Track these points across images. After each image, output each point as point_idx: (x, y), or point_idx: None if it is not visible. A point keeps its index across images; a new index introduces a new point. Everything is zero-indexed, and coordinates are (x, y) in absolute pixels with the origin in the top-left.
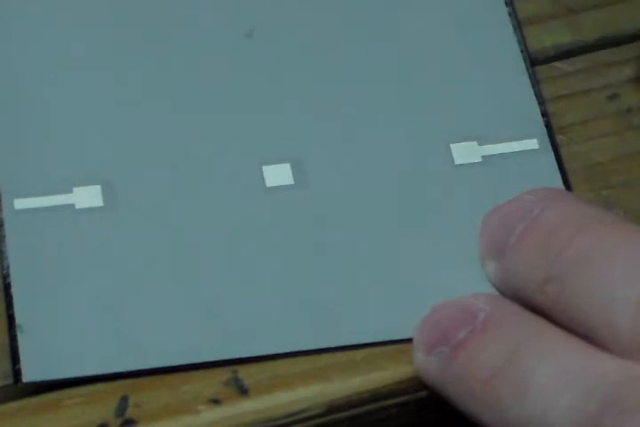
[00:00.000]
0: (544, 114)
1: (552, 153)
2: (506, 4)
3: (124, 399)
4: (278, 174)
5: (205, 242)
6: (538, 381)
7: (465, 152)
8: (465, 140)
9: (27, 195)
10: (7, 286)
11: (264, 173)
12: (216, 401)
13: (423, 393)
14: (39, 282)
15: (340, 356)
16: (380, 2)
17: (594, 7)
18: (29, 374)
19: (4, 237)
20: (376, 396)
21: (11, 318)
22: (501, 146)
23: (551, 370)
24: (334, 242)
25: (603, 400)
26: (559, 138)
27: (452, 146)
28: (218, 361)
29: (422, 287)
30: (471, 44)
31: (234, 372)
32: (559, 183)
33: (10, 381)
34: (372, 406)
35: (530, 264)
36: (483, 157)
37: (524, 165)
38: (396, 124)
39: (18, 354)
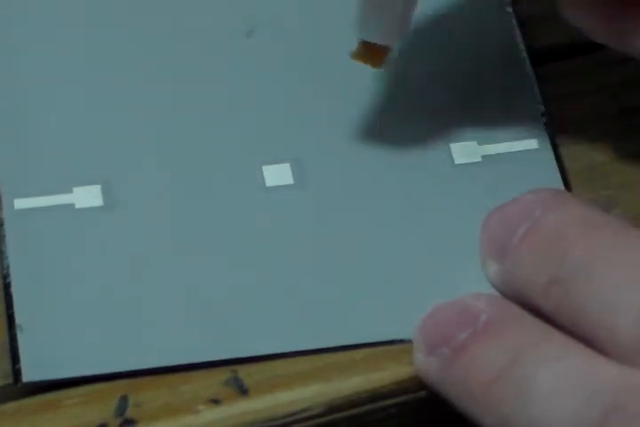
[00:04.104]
0: (544, 114)
1: (552, 153)
2: (506, 3)
3: (124, 399)
4: (278, 174)
5: (205, 242)
6: (539, 385)
7: (465, 152)
8: (465, 139)
9: (27, 195)
10: (7, 286)
11: (264, 173)
12: (216, 401)
13: (423, 393)
14: (39, 282)
15: (339, 356)
16: None
17: None
18: (29, 374)
19: (4, 236)
20: (376, 396)
21: (11, 318)
22: (501, 146)
23: (552, 374)
24: (334, 242)
25: (604, 407)
26: (559, 138)
27: (451, 145)
28: (218, 361)
29: (422, 287)
30: (471, 44)
31: (234, 372)
32: (559, 183)
33: (10, 380)
34: (371, 406)
35: (532, 267)
36: (483, 156)
37: (523, 165)
38: (396, 124)
39: (18, 354)
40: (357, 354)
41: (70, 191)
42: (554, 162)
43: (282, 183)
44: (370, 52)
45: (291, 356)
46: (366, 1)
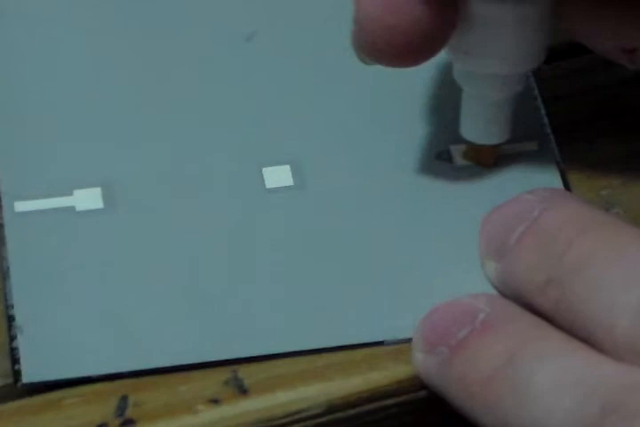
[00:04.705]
0: (544, 114)
1: (552, 153)
2: None
3: (124, 399)
4: (278, 176)
5: (205, 243)
6: (537, 383)
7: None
8: (465, 140)
9: (27, 197)
10: (7, 287)
11: (264, 175)
12: (216, 401)
13: (423, 393)
14: (39, 283)
15: (339, 356)
16: None
17: None
18: (29, 375)
19: (5, 239)
20: (376, 396)
21: (11, 318)
22: (501, 146)
23: (551, 373)
24: (334, 242)
25: (602, 406)
26: (559, 138)
27: (451, 147)
28: (218, 361)
29: (422, 287)
30: None
31: (234, 372)
32: (559, 183)
33: (10, 380)
34: (371, 406)
35: (530, 266)
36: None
37: (523, 166)
38: (396, 125)
39: (18, 354)
40: (357, 354)
41: (71, 194)
42: (554, 162)
43: (282, 185)
44: (480, 152)
45: (291, 356)
46: (472, 110)
